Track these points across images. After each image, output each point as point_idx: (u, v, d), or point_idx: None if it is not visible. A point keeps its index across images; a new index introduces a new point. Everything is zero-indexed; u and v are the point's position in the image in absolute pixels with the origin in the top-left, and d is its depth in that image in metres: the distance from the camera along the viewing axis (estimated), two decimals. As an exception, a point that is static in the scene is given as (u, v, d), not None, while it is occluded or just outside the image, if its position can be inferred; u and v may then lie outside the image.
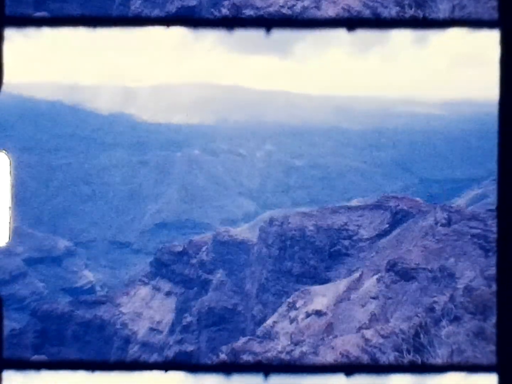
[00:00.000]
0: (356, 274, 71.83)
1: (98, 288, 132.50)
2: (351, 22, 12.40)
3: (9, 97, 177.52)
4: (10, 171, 12.47)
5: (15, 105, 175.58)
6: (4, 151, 12.93)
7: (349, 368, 12.15)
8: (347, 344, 64.70)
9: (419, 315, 60.84)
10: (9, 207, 12.41)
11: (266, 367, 12.14)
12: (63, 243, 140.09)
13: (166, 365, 12.07)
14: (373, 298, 67.42)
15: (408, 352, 58.05)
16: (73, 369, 12.11)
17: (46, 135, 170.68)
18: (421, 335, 57.42)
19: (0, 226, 12.44)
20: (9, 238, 12.56)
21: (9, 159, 12.48)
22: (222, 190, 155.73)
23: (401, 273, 67.21)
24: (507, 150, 11.44)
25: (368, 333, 64.09)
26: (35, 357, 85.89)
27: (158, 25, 12.28)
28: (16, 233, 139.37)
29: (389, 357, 61.02)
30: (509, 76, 11.44)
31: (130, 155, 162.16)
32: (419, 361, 57.41)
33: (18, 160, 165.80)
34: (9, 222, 12.48)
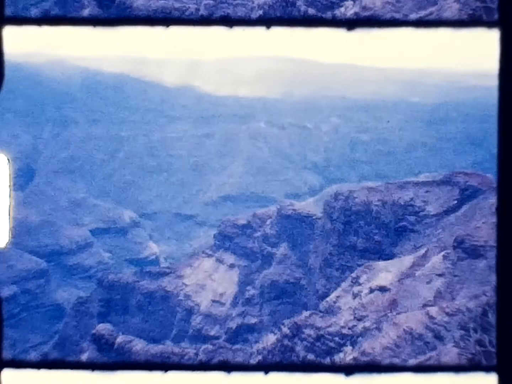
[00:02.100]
0: (422, 251, 70.99)
1: (162, 259, 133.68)
2: (351, 22, 12.36)
3: (76, 70, 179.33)
4: (10, 172, 12.37)
5: (82, 78, 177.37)
6: (3, 152, 12.87)
7: (349, 368, 12.07)
8: (410, 320, 64.05)
9: (487, 293, 59.87)
10: (9, 208, 12.32)
11: (266, 367, 12.03)
12: (128, 215, 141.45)
13: (166, 365, 12.01)
14: (439, 275, 66.58)
15: (475, 331, 57.21)
16: (73, 369, 12.04)
17: (112, 107, 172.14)
18: (489, 314, 56.51)
19: (0, 226, 12.32)
20: (9, 238, 12.44)
21: (8, 160, 12.37)
22: (287, 164, 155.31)
23: (469, 250, 66.19)
24: (507, 150, 11.29)
25: (433, 311, 63.35)
26: (100, 325, 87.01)
27: (158, 25, 12.32)
28: (83, 204, 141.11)
29: (455, 335, 60.27)
30: (509, 76, 11.28)
31: (195, 128, 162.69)
32: (486, 341, 56.55)
33: (85, 132, 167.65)
34: (9, 222, 12.39)
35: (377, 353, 61.60)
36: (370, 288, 70.97)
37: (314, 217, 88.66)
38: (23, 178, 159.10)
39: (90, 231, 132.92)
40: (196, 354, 79.88)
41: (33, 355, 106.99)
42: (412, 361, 59.38)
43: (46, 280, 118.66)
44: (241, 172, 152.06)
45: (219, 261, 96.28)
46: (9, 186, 12.35)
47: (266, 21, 12.26)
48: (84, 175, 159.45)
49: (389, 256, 75.74)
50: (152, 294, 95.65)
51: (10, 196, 12.31)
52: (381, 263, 74.00)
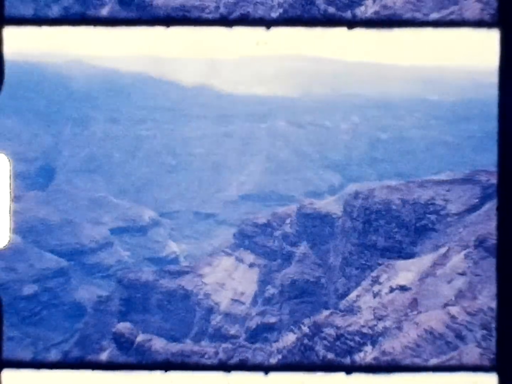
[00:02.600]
0: (443, 250, 70.63)
1: (181, 258, 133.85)
2: (351, 22, 12.36)
3: (96, 70, 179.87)
4: (10, 173, 12.36)
5: (102, 77, 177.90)
6: (3, 153, 12.83)
7: (349, 368, 12.04)
8: (431, 320, 63.74)
9: (509, 292, 59.30)
10: (9, 209, 12.30)
11: (266, 367, 11.99)
12: (148, 214, 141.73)
13: (166, 365, 11.97)
14: (460, 274, 66.22)
15: (497, 330, 56.70)
16: (73, 369, 12.01)
17: (131, 107, 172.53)
18: None
19: (0, 226, 12.33)
20: (9, 238, 12.43)
21: (8, 160, 12.35)
22: (307, 162, 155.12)
23: (491, 249, 65.79)
24: (508, 150, 11.27)
25: (454, 310, 63.01)
26: (120, 324, 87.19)
27: (158, 25, 12.33)
28: (103, 203, 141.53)
29: (476, 335, 59.92)
30: (509, 76, 11.26)
31: (214, 127, 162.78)
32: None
33: (104, 131, 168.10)
34: (9, 223, 12.38)
35: (397, 353, 61.34)
36: (391, 287, 70.69)
37: (334, 216, 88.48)
38: (43, 177, 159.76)
39: (110, 230, 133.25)
40: (216, 353, 79.86)
41: (53, 353, 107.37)
42: (433, 361, 59.10)
43: (66, 279, 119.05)
44: (261, 170, 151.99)
45: (239, 260, 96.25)
46: (9, 186, 12.32)
47: (266, 21, 12.30)
48: (103, 174, 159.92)
49: (410, 255, 75.46)
50: (171, 293, 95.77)
51: (10, 196, 12.28)
52: (402, 262, 73.70)
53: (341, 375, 11.82)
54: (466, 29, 12.05)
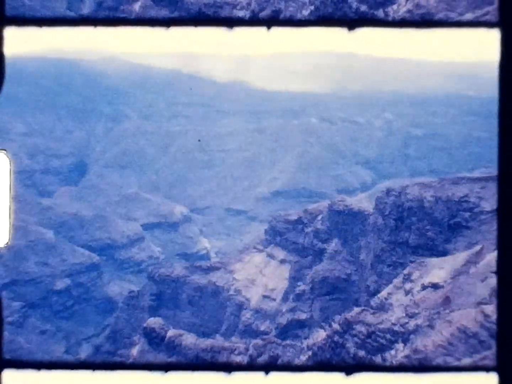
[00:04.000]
0: (477, 248, 69.89)
1: (212, 254, 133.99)
2: (351, 22, 12.22)
3: (129, 67, 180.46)
4: (10, 172, 12.17)
5: (135, 74, 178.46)
6: (4, 151, 12.64)
7: (349, 368, 11.88)
8: (464, 318, 63.08)
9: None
10: (9, 207, 12.12)
11: (266, 367, 11.82)
12: (179, 209, 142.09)
13: (166, 365, 11.83)
14: (495, 273, 65.54)
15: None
16: (73, 369, 11.89)
17: (164, 103, 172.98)
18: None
19: (0, 226, 12.14)
20: (9, 239, 12.25)
21: (8, 159, 12.16)
22: (339, 159, 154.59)
23: (525, 247, 64.89)
24: (508, 150, 11.28)
25: (488, 309, 62.31)
26: (151, 319, 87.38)
27: (158, 25, 12.24)
28: (134, 199, 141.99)
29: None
30: (509, 75, 11.30)
31: (246, 123, 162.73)
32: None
33: (136, 127, 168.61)
34: (9, 222, 12.21)
35: (429, 351, 60.84)
36: (423, 285, 70.11)
37: (365, 213, 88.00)
38: (76, 173, 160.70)
39: (142, 225, 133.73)
40: (246, 349, 79.73)
41: (85, 347, 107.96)
42: (466, 360, 58.53)
43: (98, 273, 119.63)
44: (293, 167, 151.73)
45: (270, 256, 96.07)
46: (10, 185, 12.19)
47: (267, 21, 12.26)
48: (135, 170, 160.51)
49: (442, 253, 74.81)
50: (202, 289, 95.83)
51: (10, 196, 12.16)
52: (434, 260, 73.05)
53: (341, 375, 11.77)
54: (466, 29, 12.10)
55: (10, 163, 12.23)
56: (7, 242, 12.33)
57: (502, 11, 11.43)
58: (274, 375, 11.85)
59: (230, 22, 12.28)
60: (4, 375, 11.79)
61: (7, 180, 12.14)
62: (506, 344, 11.29)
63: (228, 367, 11.83)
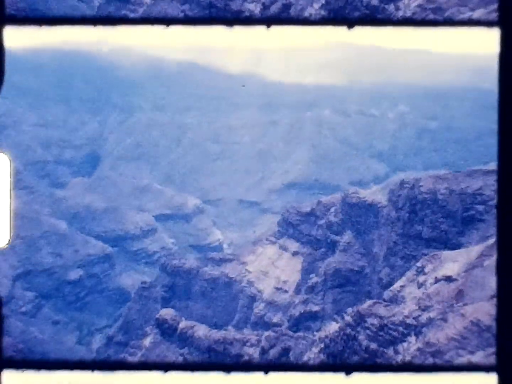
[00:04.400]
0: (491, 241, 69.55)
1: (225, 246, 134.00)
2: (351, 21, 12.54)
3: (142, 58, 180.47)
4: (10, 171, 12.08)
5: (148, 65, 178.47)
6: (3, 151, 12.55)
7: (349, 368, 11.88)
8: (478, 312, 62.78)
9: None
10: (10, 208, 12.03)
11: (266, 367, 11.74)
12: (192, 201, 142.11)
13: (166, 365, 11.75)
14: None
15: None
16: (73, 369, 11.82)
17: (177, 95, 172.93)
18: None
19: (0, 226, 12.05)
20: (9, 239, 12.18)
21: (8, 159, 12.07)
22: (352, 151, 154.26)
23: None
24: (508, 150, 11.22)
25: (501, 301, 61.92)
26: (164, 310, 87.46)
27: (159, 24, 12.23)
28: (147, 190, 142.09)
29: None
30: (509, 75, 11.31)
31: (260, 115, 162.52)
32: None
33: (149, 119, 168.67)
34: (10, 222, 12.12)
35: (442, 344, 60.60)
36: (436, 278, 69.81)
37: (379, 205, 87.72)
38: (89, 164, 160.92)
39: (154, 217, 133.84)
40: (258, 341, 79.68)
41: (97, 338, 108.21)
42: (479, 353, 58.26)
43: (110, 264, 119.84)
44: (306, 159, 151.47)
45: (283, 248, 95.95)
46: (10, 185, 12.12)
47: (267, 21, 12.34)
48: (148, 162, 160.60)
49: (456, 246, 74.50)
50: (215, 280, 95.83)
51: (10, 196, 12.08)
52: (448, 253, 72.72)
53: (341, 375, 11.74)
54: (466, 28, 12.17)
55: (10, 163, 12.16)
56: (8, 242, 12.26)
57: (502, 11, 11.46)
58: (274, 375, 11.80)
59: (230, 22, 12.33)
60: (4, 375, 11.74)
61: (7, 180, 12.09)
62: (506, 344, 11.25)
63: (228, 367, 11.77)
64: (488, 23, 11.91)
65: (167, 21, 12.31)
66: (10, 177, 12.20)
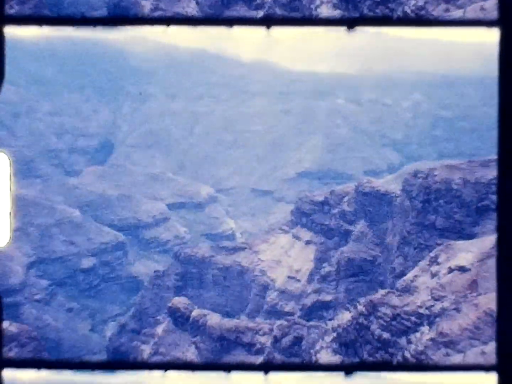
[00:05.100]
0: (504, 230, 69.18)
1: (238, 234, 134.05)
2: (351, 21, 11.98)
3: (155, 46, 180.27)
4: (10, 171, 12.06)
5: (161, 54, 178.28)
6: (3, 151, 12.50)
7: (349, 368, 11.86)
8: (491, 302, 62.62)
9: None
10: (10, 207, 12.03)
11: (266, 367, 11.71)
12: (205, 190, 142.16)
13: (166, 365, 11.73)
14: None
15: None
16: (73, 369, 11.81)
17: (190, 83, 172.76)
18: None
19: (0, 226, 12.04)
20: (10, 239, 12.18)
21: (8, 159, 12.06)
22: (366, 140, 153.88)
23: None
24: (508, 150, 11.22)
25: (515, 292, 61.76)
26: (176, 299, 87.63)
27: (158, 24, 12.20)
28: (160, 179, 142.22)
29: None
30: (509, 75, 11.32)
31: (272, 104, 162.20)
32: None
33: (163, 107, 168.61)
34: (10, 222, 12.12)
35: (454, 334, 60.49)
36: (449, 268, 69.61)
37: (392, 195, 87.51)
38: (102, 153, 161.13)
39: (167, 205, 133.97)
40: (271, 330, 79.76)
41: (110, 326, 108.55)
42: (492, 344, 58.13)
43: (123, 253, 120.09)
44: (319, 148, 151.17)
45: (296, 237, 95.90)
46: (10, 185, 12.11)
47: (266, 21, 12.31)
48: (161, 150, 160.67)
49: (470, 236, 74.25)
50: (227, 269, 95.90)
51: (10, 195, 12.08)
52: (461, 243, 72.49)
53: (340, 375, 11.73)
54: (466, 28, 12.13)
55: (10, 163, 12.15)
56: (8, 242, 12.28)
57: (502, 10, 11.43)
58: (274, 375, 11.80)
59: (230, 22, 12.35)
60: (4, 375, 11.75)
61: (7, 180, 12.09)
62: (506, 344, 11.23)
63: (228, 367, 11.77)
64: (488, 23, 11.82)
65: (167, 21, 12.35)
66: (10, 177, 12.21)
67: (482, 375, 11.68)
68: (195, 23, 12.83)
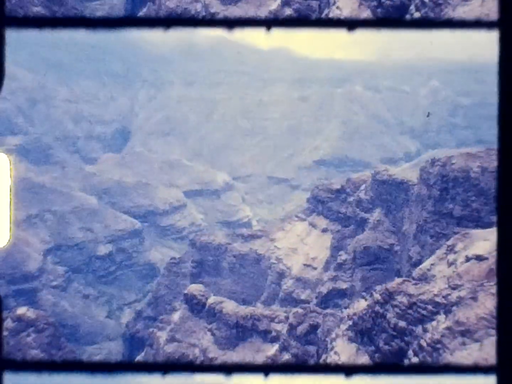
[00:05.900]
0: (522, 219, 68.70)
1: (254, 222, 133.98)
2: (351, 22, 11.81)
3: (173, 34, 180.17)
4: (10, 171, 11.97)
5: (178, 41, 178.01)
6: (2, 151, 12.41)
7: (349, 368, 11.67)
8: (508, 291, 62.12)
9: None
10: (9, 207, 11.94)
11: (266, 367, 11.52)
12: (222, 177, 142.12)
13: (166, 365, 11.55)
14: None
15: None
16: (73, 369, 11.65)
17: (207, 70, 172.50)
18: None
19: (0, 226, 11.95)
20: (9, 238, 12.08)
21: (8, 159, 11.96)
22: (383, 128, 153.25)
23: None
24: (508, 150, 11.02)
25: (532, 281, 61.31)
26: (192, 286, 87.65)
27: (158, 25, 11.98)
28: (177, 166, 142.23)
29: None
30: (508, 75, 11.15)
31: (290, 91, 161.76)
32: None
33: (180, 94, 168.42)
34: (9, 222, 12.04)
35: (471, 323, 60.14)
36: (466, 256, 69.21)
37: (409, 183, 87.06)
38: (119, 140, 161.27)
39: (184, 192, 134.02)
40: (287, 318, 79.67)
41: (127, 312, 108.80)
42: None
43: (140, 240, 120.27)
44: (336, 136, 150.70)
45: (312, 225, 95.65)
46: (10, 185, 12.02)
47: (266, 21, 12.16)
48: (178, 137, 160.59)
49: (487, 225, 73.75)
50: (244, 257, 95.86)
51: (10, 195, 11.99)
52: (479, 231, 72.04)
53: (340, 376, 11.60)
54: (466, 29, 12.03)
55: (10, 163, 12.07)
56: (8, 242, 12.20)
57: (502, 11, 11.28)
58: (274, 375, 11.65)
59: (230, 22, 12.21)
60: (4, 375, 11.65)
61: (7, 180, 12.01)
62: (505, 344, 11.08)
63: (228, 367, 11.62)
64: (488, 24, 11.47)
65: (167, 21, 12.18)
66: (11, 177, 12.14)
67: (482, 375, 11.57)
68: (195, 24, 12.69)
